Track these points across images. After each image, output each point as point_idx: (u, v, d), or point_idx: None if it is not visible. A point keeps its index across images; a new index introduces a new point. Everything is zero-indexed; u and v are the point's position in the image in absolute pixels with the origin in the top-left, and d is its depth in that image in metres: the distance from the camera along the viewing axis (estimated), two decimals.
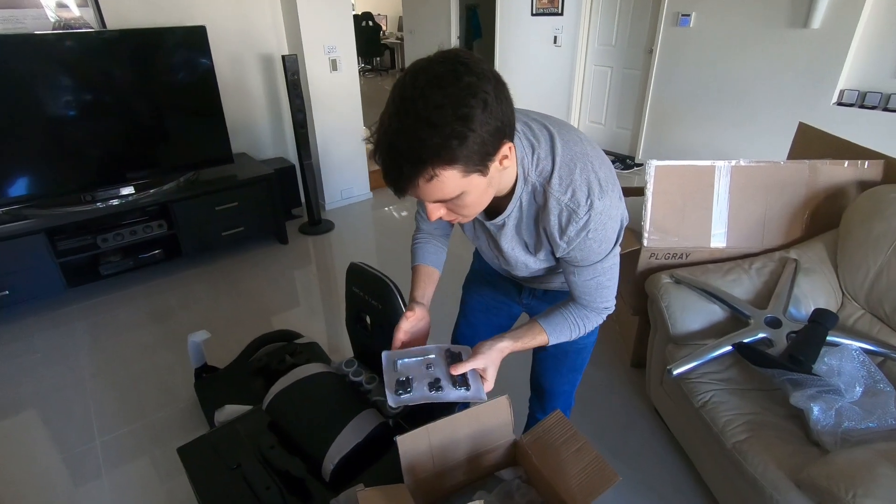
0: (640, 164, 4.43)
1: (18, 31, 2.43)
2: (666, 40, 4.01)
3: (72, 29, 2.56)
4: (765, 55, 3.47)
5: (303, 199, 3.46)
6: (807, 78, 3.31)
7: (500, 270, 1.19)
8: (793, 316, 1.48)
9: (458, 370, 0.91)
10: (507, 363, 1.65)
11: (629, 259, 1.84)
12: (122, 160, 2.62)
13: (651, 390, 1.81)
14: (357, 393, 1.29)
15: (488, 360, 0.92)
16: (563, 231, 0.82)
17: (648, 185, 1.69)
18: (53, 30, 2.51)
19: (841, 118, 3.20)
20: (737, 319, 1.54)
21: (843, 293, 1.59)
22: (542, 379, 1.30)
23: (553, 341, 0.96)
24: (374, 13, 9.34)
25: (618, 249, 0.89)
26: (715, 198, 1.71)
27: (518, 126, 0.79)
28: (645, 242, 1.73)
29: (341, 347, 2.26)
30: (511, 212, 0.86)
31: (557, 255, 0.89)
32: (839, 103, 3.22)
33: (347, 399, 1.24)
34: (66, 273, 2.47)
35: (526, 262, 0.96)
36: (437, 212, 0.77)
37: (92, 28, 2.62)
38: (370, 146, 0.69)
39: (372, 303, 1.25)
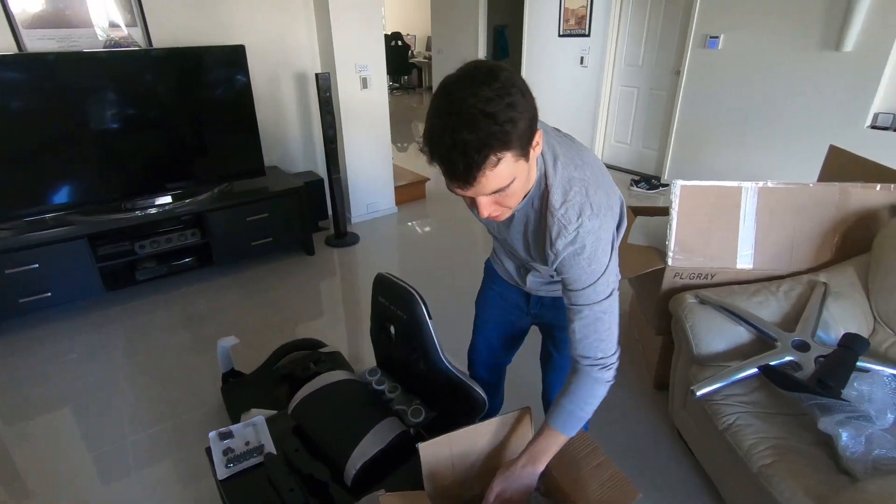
0: (666, 185, 4.40)
1: (72, 49, 2.59)
2: (694, 62, 4.02)
3: (121, 47, 2.71)
4: (796, 78, 3.44)
5: (330, 212, 3.54)
6: (839, 101, 3.27)
7: (510, 272, 1.23)
8: (821, 340, 1.46)
9: None
10: (526, 367, 1.64)
11: (653, 278, 1.84)
12: (161, 171, 2.75)
13: (674, 412, 1.79)
14: (379, 401, 1.31)
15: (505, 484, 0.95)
16: (552, 243, 0.88)
17: (674, 205, 1.70)
18: (105, 48, 2.66)
19: (875, 142, 3.14)
20: (763, 342, 1.51)
21: (875, 319, 1.55)
22: (551, 394, 1.35)
23: (566, 430, 0.97)
24: (403, 33, 9.57)
25: (609, 280, 0.90)
26: (742, 219, 1.70)
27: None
28: (669, 262, 1.73)
29: (363, 357, 2.29)
30: (522, 207, 0.91)
31: (549, 265, 0.92)
32: (873, 126, 3.17)
33: (370, 406, 1.27)
34: (104, 277, 2.58)
35: (525, 250, 1.00)
36: (488, 207, 0.81)
37: (139, 46, 2.77)
38: (422, 152, 0.76)
39: (397, 313, 1.29)
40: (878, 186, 1.68)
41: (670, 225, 1.71)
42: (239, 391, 1.89)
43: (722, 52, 3.81)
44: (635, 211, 2.17)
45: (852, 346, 1.35)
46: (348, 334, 2.49)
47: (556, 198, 0.86)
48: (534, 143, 0.77)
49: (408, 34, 10.06)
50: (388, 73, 9.78)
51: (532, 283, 1.19)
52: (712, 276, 1.74)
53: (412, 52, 10.20)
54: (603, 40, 4.66)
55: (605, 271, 0.89)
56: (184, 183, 2.82)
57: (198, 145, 2.83)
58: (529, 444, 0.98)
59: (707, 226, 1.71)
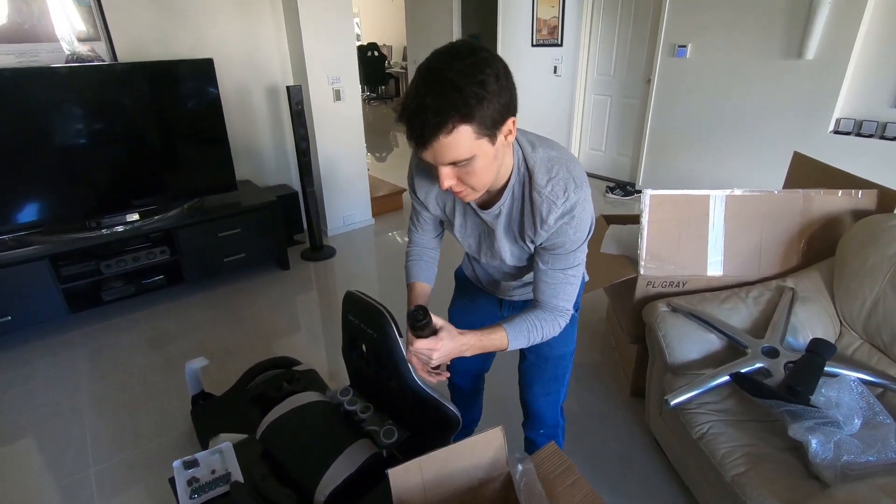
0: (640, 191, 4.45)
1: (32, 64, 2.52)
2: (663, 70, 4.09)
3: (84, 62, 2.64)
4: (761, 85, 3.53)
5: (305, 226, 3.50)
6: (803, 107, 3.36)
7: (483, 280, 1.27)
8: (790, 345, 1.48)
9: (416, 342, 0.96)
10: (503, 385, 1.64)
11: (627, 287, 1.85)
12: (128, 187, 2.68)
13: (650, 420, 1.79)
14: (351, 423, 1.28)
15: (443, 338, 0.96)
16: (544, 220, 0.93)
17: (644, 214, 1.71)
18: (66, 63, 2.59)
19: (838, 147, 3.23)
20: (734, 349, 1.53)
21: (840, 322, 1.58)
22: (528, 394, 1.36)
23: (512, 338, 1.00)
24: (379, 43, 9.57)
25: (585, 248, 0.99)
26: (710, 226, 1.72)
27: None
28: (642, 271, 1.74)
29: (341, 374, 2.25)
30: (504, 200, 0.97)
31: (538, 243, 0.98)
32: (836, 132, 3.26)
33: (341, 429, 1.23)
34: (68, 299, 2.49)
35: (512, 251, 1.05)
36: (448, 179, 0.85)
37: (104, 60, 2.70)
38: (395, 114, 0.80)
39: (368, 331, 1.26)
40: (840, 192, 1.72)
41: (641, 234, 1.72)
42: (209, 414, 1.83)
43: (690, 61, 3.89)
44: (608, 219, 2.19)
45: (819, 352, 1.37)
46: (326, 351, 2.45)
47: (540, 177, 0.92)
48: (504, 128, 0.81)
49: (384, 45, 10.06)
50: (365, 83, 9.75)
51: (505, 288, 1.22)
52: (684, 284, 1.76)
53: (389, 62, 10.20)
54: (575, 50, 4.72)
55: (585, 239, 0.97)
56: (152, 199, 2.75)
57: (166, 160, 2.77)
58: (479, 331, 1.00)
59: (677, 234, 1.73)
